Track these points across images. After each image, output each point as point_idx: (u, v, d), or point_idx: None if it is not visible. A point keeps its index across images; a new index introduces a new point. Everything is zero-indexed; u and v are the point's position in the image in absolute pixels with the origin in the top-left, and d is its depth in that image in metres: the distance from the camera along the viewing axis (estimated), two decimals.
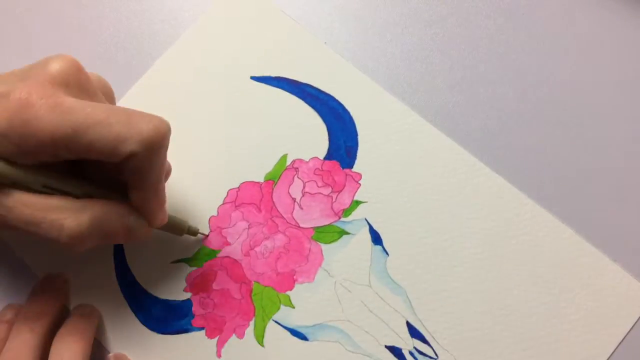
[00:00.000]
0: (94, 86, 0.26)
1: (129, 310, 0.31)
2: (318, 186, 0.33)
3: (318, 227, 0.32)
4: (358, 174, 0.33)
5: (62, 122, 0.22)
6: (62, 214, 0.24)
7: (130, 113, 0.24)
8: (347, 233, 0.32)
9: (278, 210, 0.33)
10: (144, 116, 0.24)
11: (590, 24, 0.35)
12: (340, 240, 0.32)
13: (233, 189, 0.33)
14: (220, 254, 0.32)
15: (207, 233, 0.32)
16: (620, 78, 0.34)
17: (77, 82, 0.25)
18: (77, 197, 0.25)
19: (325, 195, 0.33)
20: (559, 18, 0.35)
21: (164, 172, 0.27)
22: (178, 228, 0.30)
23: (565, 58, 0.34)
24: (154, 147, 0.24)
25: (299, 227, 0.32)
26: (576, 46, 0.35)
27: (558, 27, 0.35)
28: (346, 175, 0.33)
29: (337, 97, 0.34)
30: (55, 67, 0.24)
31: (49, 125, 0.22)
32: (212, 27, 0.36)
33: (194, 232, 0.31)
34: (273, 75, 0.35)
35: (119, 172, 0.25)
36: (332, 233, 0.32)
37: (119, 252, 0.32)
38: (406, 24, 0.36)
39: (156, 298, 0.31)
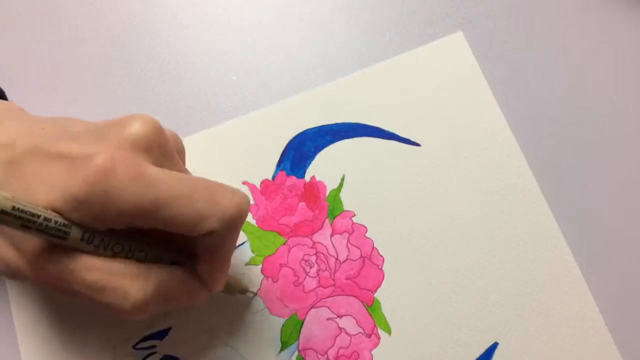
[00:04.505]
0: (172, 149, 0.24)
1: None
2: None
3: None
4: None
5: (144, 195, 0.21)
6: (127, 281, 0.22)
7: (212, 188, 0.22)
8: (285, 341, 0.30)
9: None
10: (227, 192, 0.23)
11: (591, 24, 0.35)
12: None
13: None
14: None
15: (255, 291, 0.31)
16: (621, 78, 0.34)
17: (158, 146, 0.23)
18: (140, 261, 0.23)
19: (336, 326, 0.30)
20: (559, 18, 0.35)
21: (235, 245, 0.25)
22: (232, 289, 0.29)
23: (565, 58, 0.35)
24: (234, 226, 0.23)
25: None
26: (576, 46, 0.35)
27: (558, 27, 0.35)
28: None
29: None
30: (136, 129, 0.22)
31: (131, 197, 0.21)
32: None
33: (244, 291, 0.30)
34: None
35: (186, 242, 0.24)
36: (292, 328, 0.30)
37: None
38: (405, 24, 0.35)
39: None
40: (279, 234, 0.32)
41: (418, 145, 0.33)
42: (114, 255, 0.23)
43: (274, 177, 0.33)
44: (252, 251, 0.32)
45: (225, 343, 0.30)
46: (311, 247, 0.31)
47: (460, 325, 0.30)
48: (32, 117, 0.26)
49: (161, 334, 0.30)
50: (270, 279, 0.31)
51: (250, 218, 0.32)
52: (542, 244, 0.31)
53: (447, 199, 0.32)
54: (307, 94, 0.34)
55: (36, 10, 0.37)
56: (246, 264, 0.31)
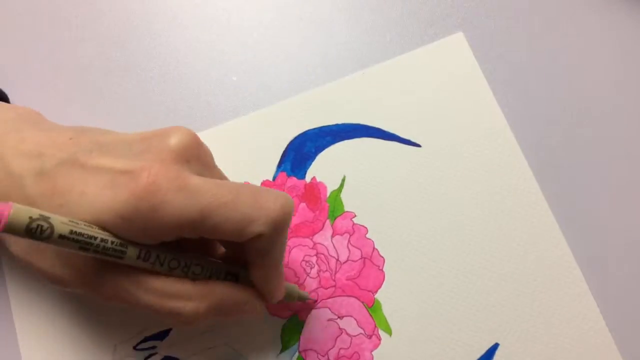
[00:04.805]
0: (212, 159, 0.24)
1: None
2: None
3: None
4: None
5: (189, 206, 0.21)
6: (181, 303, 0.23)
7: (256, 192, 0.23)
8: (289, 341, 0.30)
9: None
10: (270, 195, 0.23)
11: (591, 24, 0.35)
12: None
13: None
14: None
15: (314, 299, 0.31)
16: (621, 78, 0.34)
17: (198, 157, 0.23)
18: (195, 275, 0.23)
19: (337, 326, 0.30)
20: (559, 18, 0.35)
21: (285, 248, 0.25)
22: (291, 296, 0.28)
23: (566, 58, 0.35)
24: (281, 228, 0.23)
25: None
26: (576, 46, 0.35)
27: (558, 27, 0.35)
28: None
29: None
30: (176, 141, 0.22)
31: (177, 210, 0.21)
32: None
33: (303, 298, 0.30)
34: None
35: (239, 249, 0.24)
36: (293, 330, 0.30)
37: None
38: (405, 24, 0.35)
39: None
40: None
41: (419, 146, 0.33)
42: (171, 270, 0.23)
43: (274, 178, 0.33)
44: None
45: (226, 344, 0.30)
46: (312, 248, 0.31)
47: (460, 326, 0.30)
48: (53, 125, 0.26)
49: (162, 335, 0.30)
50: None
51: None
52: (543, 245, 0.31)
53: (447, 199, 0.32)
54: (308, 95, 0.34)
55: (36, 10, 0.37)
56: None
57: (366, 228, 0.32)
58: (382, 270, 0.31)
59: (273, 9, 0.36)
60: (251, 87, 0.35)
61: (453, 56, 0.34)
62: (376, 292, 0.31)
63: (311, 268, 0.31)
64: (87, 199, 0.21)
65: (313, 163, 0.33)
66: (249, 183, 0.24)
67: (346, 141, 0.33)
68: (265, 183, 0.33)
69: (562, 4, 0.36)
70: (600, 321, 0.30)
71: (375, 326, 0.30)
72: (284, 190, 0.32)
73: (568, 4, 0.36)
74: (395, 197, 0.32)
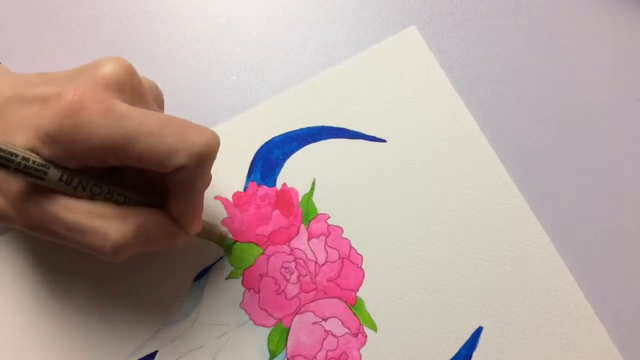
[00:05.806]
0: (146, 92, 0.25)
1: None
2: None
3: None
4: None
5: (113, 129, 0.21)
6: (107, 222, 0.23)
7: (182, 124, 0.23)
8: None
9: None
10: (197, 129, 0.23)
11: (590, 24, 0.35)
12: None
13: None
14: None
15: (232, 237, 0.32)
16: (621, 78, 0.34)
17: (130, 87, 0.23)
18: (119, 204, 0.24)
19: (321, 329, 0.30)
20: (559, 18, 0.36)
21: (207, 184, 0.26)
22: (209, 234, 0.30)
23: (565, 58, 0.35)
24: (204, 162, 0.23)
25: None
26: (576, 46, 0.35)
27: (558, 27, 0.35)
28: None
29: None
30: (108, 70, 0.23)
31: (100, 132, 0.21)
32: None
33: (222, 237, 0.31)
34: None
35: (160, 181, 0.25)
36: (279, 336, 0.30)
37: None
38: (405, 24, 0.35)
39: None
40: (257, 244, 0.32)
41: (384, 141, 0.33)
42: (93, 196, 0.23)
43: (245, 189, 0.33)
44: (231, 264, 0.31)
45: (213, 359, 0.30)
46: (289, 254, 0.31)
47: (444, 313, 0.30)
48: (19, 73, 0.27)
49: (148, 359, 0.30)
50: (252, 290, 0.31)
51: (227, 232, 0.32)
52: (515, 224, 0.32)
53: (417, 190, 0.32)
54: (268, 103, 0.34)
55: (36, 10, 0.37)
56: (226, 278, 0.31)
57: (341, 228, 0.32)
58: (361, 268, 0.31)
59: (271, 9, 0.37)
60: (252, 86, 0.35)
61: (408, 49, 0.35)
62: (357, 290, 0.31)
63: (291, 274, 0.31)
64: (24, 124, 0.22)
65: (282, 169, 0.33)
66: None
67: (312, 144, 0.33)
68: (237, 195, 0.33)
69: (562, 4, 0.36)
70: (579, 293, 0.30)
71: (360, 324, 0.30)
72: (256, 200, 0.32)
73: (568, 3, 0.36)
74: (366, 193, 0.32)
